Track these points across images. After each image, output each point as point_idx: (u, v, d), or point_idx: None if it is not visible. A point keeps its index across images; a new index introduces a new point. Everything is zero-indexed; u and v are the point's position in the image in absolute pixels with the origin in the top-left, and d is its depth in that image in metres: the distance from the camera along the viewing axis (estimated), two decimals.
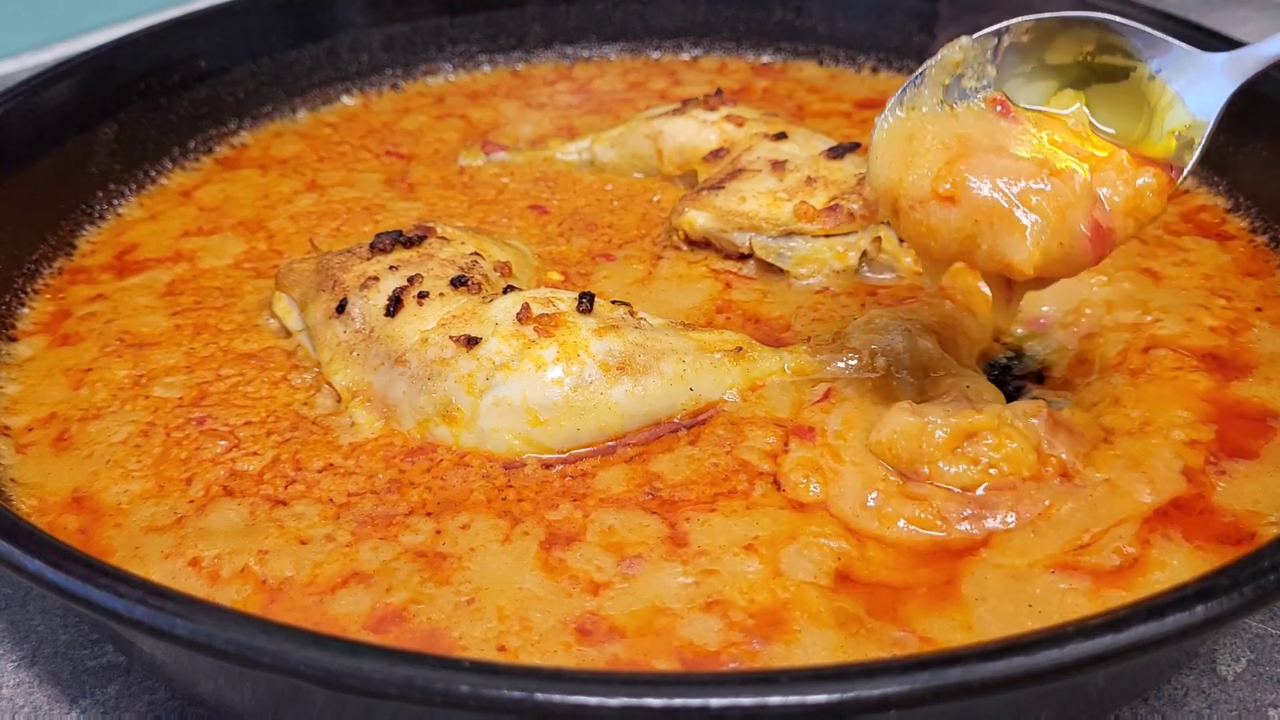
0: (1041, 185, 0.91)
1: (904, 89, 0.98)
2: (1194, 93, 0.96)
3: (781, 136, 1.37)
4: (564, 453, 1.04)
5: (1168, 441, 1.03)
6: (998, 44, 0.98)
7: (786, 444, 1.03)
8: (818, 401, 1.06)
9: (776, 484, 0.99)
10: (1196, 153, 0.94)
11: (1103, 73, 0.99)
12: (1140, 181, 0.92)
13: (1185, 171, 0.94)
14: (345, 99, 1.75)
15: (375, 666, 0.70)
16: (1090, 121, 0.98)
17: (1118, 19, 0.97)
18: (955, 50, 0.98)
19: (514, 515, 0.98)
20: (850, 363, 1.09)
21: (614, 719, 0.68)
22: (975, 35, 0.99)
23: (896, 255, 1.27)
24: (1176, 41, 0.97)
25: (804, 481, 0.99)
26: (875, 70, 1.78)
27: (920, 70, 0.98)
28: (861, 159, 1.34)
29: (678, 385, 1.06)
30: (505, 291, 1.10)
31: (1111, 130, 0.97)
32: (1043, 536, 0.94)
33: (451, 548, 0.95)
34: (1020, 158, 0.93)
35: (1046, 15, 0.98)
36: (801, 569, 0.92)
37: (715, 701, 0.67)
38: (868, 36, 1.79)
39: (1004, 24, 0.99)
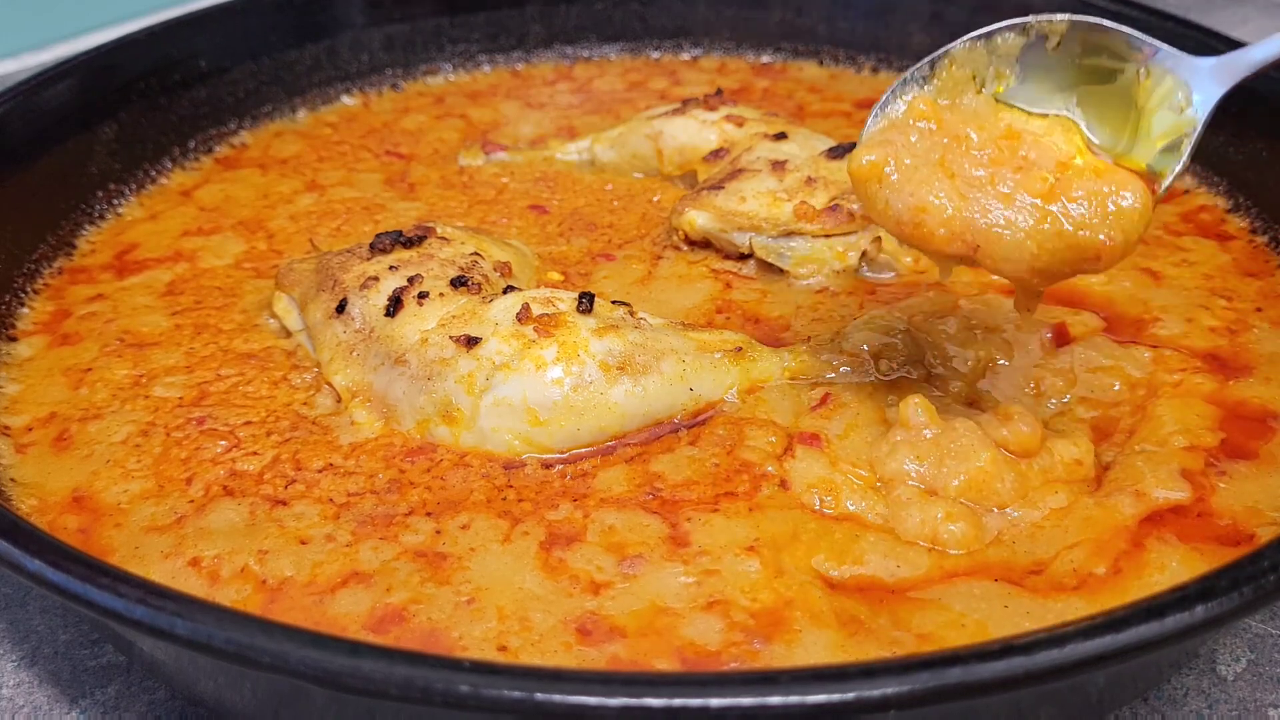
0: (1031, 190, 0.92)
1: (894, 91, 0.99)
2: (1183, 96, 0.95)
3: (781, 136, 1.37)
4: (564, 453, 1.04)
5: (1172, 447, 1.02)
6: (989, 45, 0.98)
7: (789, 449, 1.02)
8: (816, 407, 1.06)
9: (781, 485, 0.99)
10: (1184, 157, 0.93)
11: (1091, 75, 0.98)
12: (1122, 195, 0.91)
13: (1173, 175, 0.93)
14: (345, 99, 1.75)
15: (375, 666, 0.70)
16: (1080, 125, 0.97)
17: (1107, 22, 0.96)
18: (956, 49, 0.98)
19: (514, 515, 0.98)
20: (844, 370, 1.09)
21: (614, 719, 0.68)
22: (965, 39, 0.98)
23: (896, 255, 1.27)
24: (1166, 45, 0.96)
25: (810, 486, 0.99)
26: (875, 70, 1.78)
27: (918, 67, 0.98)
28: None
29: (678, 385, 1.06)
30: (505, 291, 1.10)
31: (1097, 140, 0.96)
32: (1046, 536, 0.94)
33: (451, 548, 0.95)
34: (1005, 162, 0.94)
35: (1038, 18, 0.98)
36: (803, 569, 0.92)
37: (715, 702, 0.67)
38: (868, 36, 1.79)
39: (994, 27, 0.98)
